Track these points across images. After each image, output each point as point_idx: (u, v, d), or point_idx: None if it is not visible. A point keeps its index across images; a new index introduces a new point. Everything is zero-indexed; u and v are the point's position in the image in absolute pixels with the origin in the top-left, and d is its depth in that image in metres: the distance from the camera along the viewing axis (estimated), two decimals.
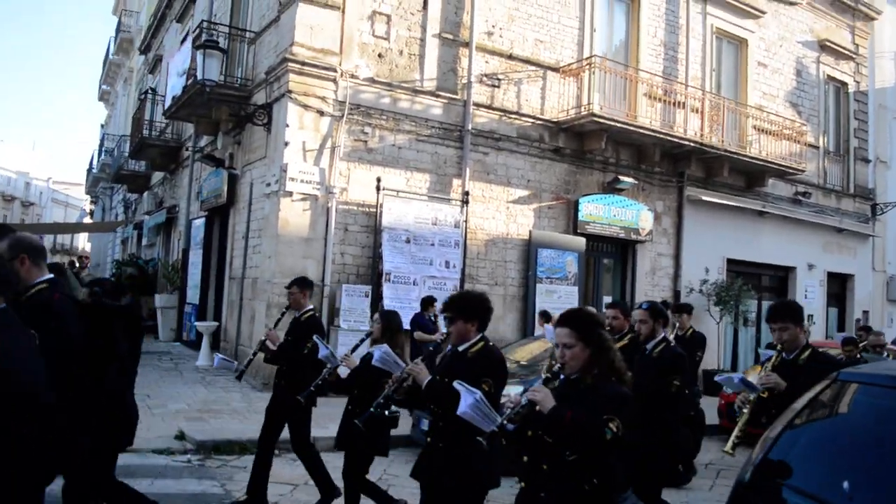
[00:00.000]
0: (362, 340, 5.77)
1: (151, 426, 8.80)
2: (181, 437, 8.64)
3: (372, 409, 4.45)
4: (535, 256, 13.95)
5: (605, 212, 14.92)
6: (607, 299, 15.31)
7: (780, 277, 18.83)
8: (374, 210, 12.54)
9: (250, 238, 13.45)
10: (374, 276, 12.48)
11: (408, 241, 12.62)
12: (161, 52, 25.49)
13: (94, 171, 35.85)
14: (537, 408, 3.19)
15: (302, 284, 6.82)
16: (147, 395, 10.49)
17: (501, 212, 13.94)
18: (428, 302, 11.29)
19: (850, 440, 3.22)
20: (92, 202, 39.77)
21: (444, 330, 12.03)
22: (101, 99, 45.04)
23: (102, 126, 44.63)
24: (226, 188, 14.54)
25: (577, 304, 13.84)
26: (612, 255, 15.81)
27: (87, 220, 40.65)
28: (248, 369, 7.43)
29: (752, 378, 4.58)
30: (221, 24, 15.36)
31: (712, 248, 16.64)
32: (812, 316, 18.73)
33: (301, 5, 12.19)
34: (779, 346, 4.54)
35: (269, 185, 12.49)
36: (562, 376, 3.37)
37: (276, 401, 6.65)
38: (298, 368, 6.44)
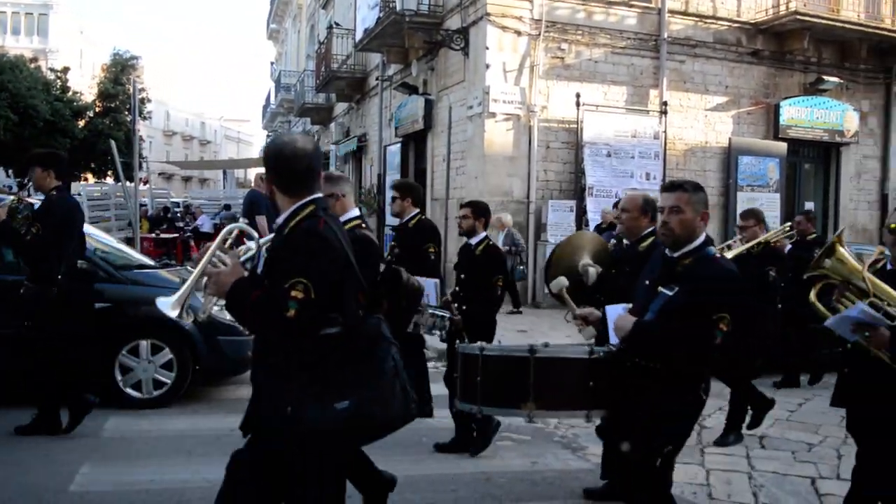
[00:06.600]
0: None
1: None
2: None
3: None
4: (734, 164, 13.75)
5: (807, 114, 14.36)
6: (809, 205, 14.90)
7: None
8: (574, 126, 12.80)
9: (452, 160, 14.09)
10: (577, 190, 12.83)
11: (608, 155, 12.81)
12: None
13: (272, 106, 37.92)
14: None
15: None
16: None
17: (699, 120, 13.79)
18: None
19: None
20: (269, 136, 42.16)
21: None
22: (269, 38, 47.14)
23: (272, 63, 46.87)
24: (422, 114, 15.20)
25: (779, 212, 13.61)
26: (814, 160, 15.27)
27: None
28: None
29: None
30: None
31: None
32: None
33: None
34: None
35: (471, 107, 13.00)
36: None
37: None
38: None
